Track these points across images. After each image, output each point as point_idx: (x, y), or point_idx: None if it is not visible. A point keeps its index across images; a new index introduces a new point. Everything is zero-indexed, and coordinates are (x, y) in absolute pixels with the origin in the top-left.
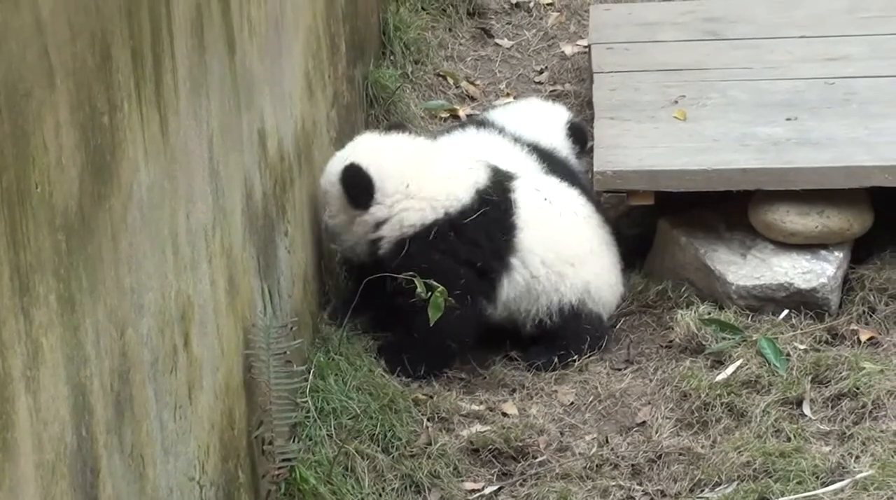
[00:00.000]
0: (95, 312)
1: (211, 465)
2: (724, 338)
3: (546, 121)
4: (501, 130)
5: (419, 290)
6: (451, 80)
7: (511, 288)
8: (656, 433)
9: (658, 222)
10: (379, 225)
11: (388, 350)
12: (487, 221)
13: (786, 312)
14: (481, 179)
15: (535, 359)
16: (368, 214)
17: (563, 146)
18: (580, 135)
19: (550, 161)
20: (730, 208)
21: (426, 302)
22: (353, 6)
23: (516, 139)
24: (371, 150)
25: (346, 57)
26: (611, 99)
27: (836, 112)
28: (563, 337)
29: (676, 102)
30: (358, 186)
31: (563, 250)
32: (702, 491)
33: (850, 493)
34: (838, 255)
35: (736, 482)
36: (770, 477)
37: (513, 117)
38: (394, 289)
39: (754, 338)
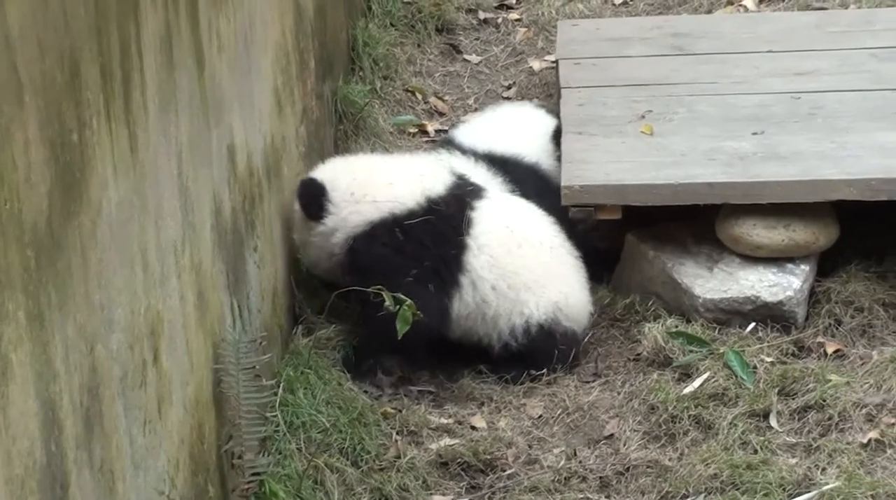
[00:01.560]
0: (65, 327)
1: (181, 479)
2: (691, 351)
3: (527, 128)
4: (468, 150)
5: (387, 303)
6: (419, 96)
7: (462, 307)
8: (624, 445)
9: (626, 236)
10: (333, 234)
11: (349, 354)
12: (435, 231)
13: (752, 325)
14: (435, 187)
15: (503, 373)
16: (322, 225)
17: (544, 153)
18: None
19: (519, 173)
20: (697, 222)
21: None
22: (322, 22)
23: (482, 157)
24: (326, 167)
25: (315, 73)
26: (578, 114)
27: (803, 126)
28: (532, 355)
29: (643, 116)
30: (308, 196)
31: (518, 280)
32: None
33: None
34: (804, 268)
35: (703, 495)
36: (737, 489)
37: (489, 128)
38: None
39: (721, 351)
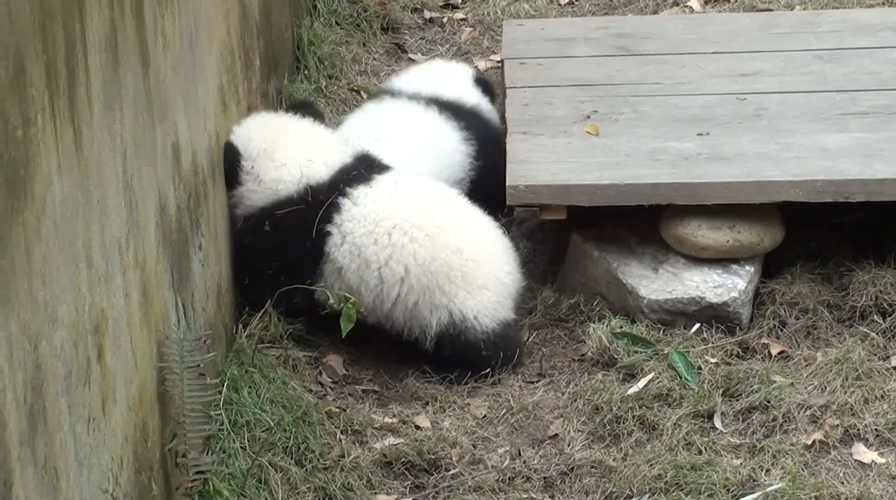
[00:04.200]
0: (8, 324)
1: (124, 477)
2: (635, 351)
3: (452, 77)
4: (412, 96)
5: (331, 301)
6: (364, 95)
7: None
8: (568, 445)
9: (570, 237)
10: (238, 205)
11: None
12: (300, 221)
13: (697, 325)
14: (318, 174)
15: (447, 373)
16: (233, 195)
17: (473, 97)
18: (487, 86)
19: (463, 115)
20: (642, 223)
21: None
22: (268, 21)
23: (428, 101)
24: (243, 129)
25: (260, 71)
26: (523, 114)
27: (747, 127)
28: (455, 363)
29: (589, 117)
30: (227, 162)
31: (389, 273)
32: None
33: None
34: (749, 269)
35: (647, 495)
36: (681, 490)
37: (420, 80)
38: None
39: (666, 352)
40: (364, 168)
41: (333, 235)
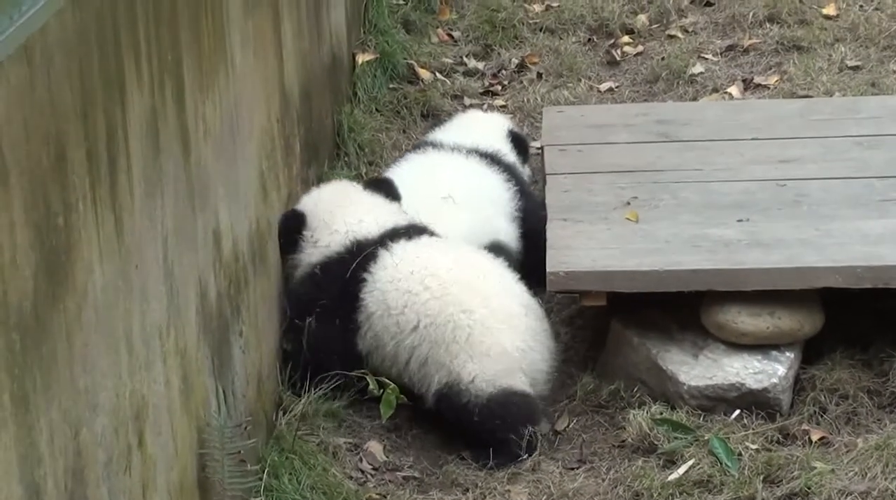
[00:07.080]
0: (49, 411)
1: None
2: (676, 438)
3: (487, 130)
4: (451, 148)
5: (371, 387)
6: None
7: (366, 344)
8: None
9: (610, 322)
10: (296, 268)
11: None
12: (344, 269)
13: (737, 412)
14: (367, 230)
15: (485, 459)
16: (291, 259)
17: (507, 153)
18: (521, 143)
19: (499, 166)
20: (682, 309)
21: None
22: (308, 107)
23: (469, 151)
24: (308, 199)
25: (301, 158)
26: (563, 200)
27: (787, 214)
28: (455, 419)
29: (629, 203)
30: (283, 231)
31: (405, 320)
32: None
33: None
34: (789, 355)
35: None
36: None
37: (456, 132)
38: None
39: (706, 438)
40: (413, 230)
41: (367, 283)
